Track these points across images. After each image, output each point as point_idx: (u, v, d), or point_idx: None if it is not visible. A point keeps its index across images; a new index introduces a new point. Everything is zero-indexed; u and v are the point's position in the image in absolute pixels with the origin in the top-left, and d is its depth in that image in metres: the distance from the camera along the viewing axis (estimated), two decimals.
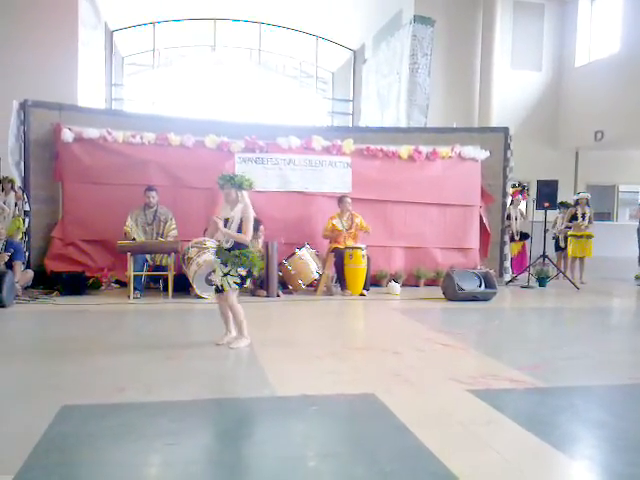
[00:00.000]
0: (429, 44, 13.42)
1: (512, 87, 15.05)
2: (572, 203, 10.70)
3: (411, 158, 9.09)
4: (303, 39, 19.25)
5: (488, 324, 6.28)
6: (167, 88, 18.98)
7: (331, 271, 8.03)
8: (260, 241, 7.57)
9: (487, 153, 9.40)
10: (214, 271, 4.64)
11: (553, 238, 10.83)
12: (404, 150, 9.06)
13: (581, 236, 10.12)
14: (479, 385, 3.68)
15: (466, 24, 14.82)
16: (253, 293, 7.53)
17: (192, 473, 2.42)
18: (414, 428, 2.88)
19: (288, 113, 18.29)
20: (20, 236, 8.01)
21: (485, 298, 7.46)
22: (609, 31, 14.54)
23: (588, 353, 4.71)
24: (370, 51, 17.27)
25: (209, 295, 6.82)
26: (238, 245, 4.51)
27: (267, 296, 7.46)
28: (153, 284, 7.79)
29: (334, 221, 8.14)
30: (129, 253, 7.12)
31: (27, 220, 7.92)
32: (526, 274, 9.40)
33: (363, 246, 7.97)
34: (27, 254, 7.77)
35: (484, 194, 9.48)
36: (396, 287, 8.09)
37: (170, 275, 7.25)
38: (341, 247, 7.96)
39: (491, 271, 8.05)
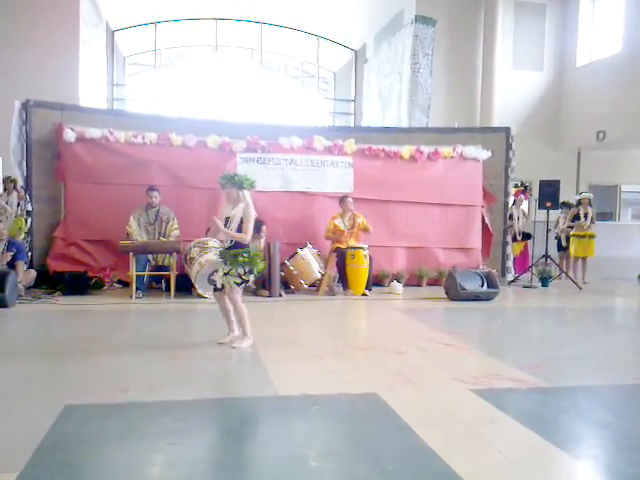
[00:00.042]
0: (430, 44, 13.42)
1: (514, 87, 15.03)
2: (574, 203, 10.69)
3: (413, 158, 9.09)
4: (304, 39, 19.25)
5: (490, 324, 6.27)
6: (169, 88, 18.99)
7: (333, 271, 8.03)
8: (262, 241, 7.57)
9: (489, 153, 9.40)
10: (217, 271, 4.64)
11: (555, 238, 10.82)
12: (406, 150, 9.06)
13: (583, 236, 10.11)
14: (482, 385, 3.68)
15: (467, 24, 14.81)
16: (255, 293, 7.54)
17: (195, 472, 2.42)
18: (417, 427, 2.88)
19: (290, 113, 18.30)
20: (22, 236, 8.03)
21: (487, 298, 7.46)
22: (611, 31, 14.51)
23: (591, 353, 4.70)
24: (371, 51, 17.27)
25: (210, 294, 6.85)
26: (238, 244, 4.51)
27: (269, 296, 7.46)
28: (155, 284, 7.79)
29: (336, 221, 8.14)
30: (131, 253, 7.12)
31: (29, 220, 7.93)
32: (528, 274, 9.39)
33: (365, 246, 7.96)
34: (29, 254, 7.78)
35: (486, 194, 9.47)
36: (398, 287, 8.09)
37: (172, 275, 7.25)
38: (343, 247, 7.96)
39: (493, 271, 8.05)
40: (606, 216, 15.77)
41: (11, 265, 7.05)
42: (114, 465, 2.48)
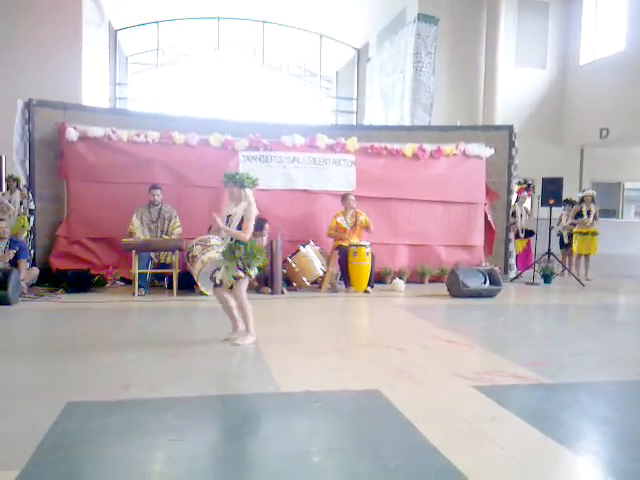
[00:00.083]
0: (433, 42, 13.38)
1: (516, 85, 15.00)
2: (577, 200, 10.67)
3: (415, 156, 9.07)
4: (307, 38, 19.24)
5: (493, 321, 6.27)
6: (171, 87, 19.02)
7: (335, 268, 8.03)
8: (265, 239, 7.58)
9: (492, 151, 9.38)
10: (219, 269, 4.65)
11: (558, 235, 10.81)
12: (408, 148, 9.05)
13: (586, 233, 10.09)
14: (484, 381, 3.67)
15: (470, 22, 14.78)
16: (258, 290, 7.54)
17: (197, 469, 2.43)
18: (419, 424, 2.88)
19: (292, 112, 18.31)
20: (25, 234, 8.04)
21: (490, 295, 7.45)
22: (614, 29, 14.47)
23: (593, 349, 4.69)
24: (374, 50, 17.25)
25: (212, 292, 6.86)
26: (238, 242, 4.52)
27: (271, 293, 7.46)
28: (158, 282, 7.79)
29: (338, 219, 8.13)
30: (134, 251, 7.13)
31: (32, 218, 7.95)
32: (531, 271, 9.38)
33: (367, 243, 7.96)
34: (32, 252, 7.80)
35: (489, 192, 9.45)
36: (400, 284, 8.08)
37: (174, 273, 7.26)
38: (345, 244, 7.96)
39: (496, 268, 8.04)
40: (609, 213, 15.74)
41: (14, 263, 7.06)
42: (116, 462, 2.49)
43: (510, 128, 9.73)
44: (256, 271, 4.62)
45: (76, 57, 12.92)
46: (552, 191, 9.19)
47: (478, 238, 9.28)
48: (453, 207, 9.13)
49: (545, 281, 9.14)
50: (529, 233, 10.45)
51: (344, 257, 7.86)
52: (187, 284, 7.31)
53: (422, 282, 8.80)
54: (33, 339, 5.05)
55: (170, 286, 7.37)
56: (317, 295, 7.60)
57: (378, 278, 8.41)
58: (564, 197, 9.80)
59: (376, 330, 5.86)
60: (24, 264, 7.18)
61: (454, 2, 14.55)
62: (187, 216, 7.86)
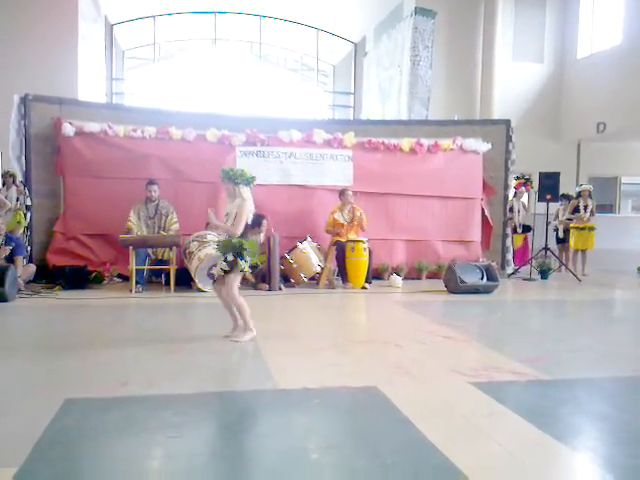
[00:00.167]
0: (430, 36, 13.36)
1: (514, 79, 14.99)
2: (574, 195, 10.67)
3: (412, 151, 9.07)
4: (304, 32, 19.18)
5: (490, 316, 6.28)
6: (168, 82, 18.95)
7: (333, 264, 8.03)
8: (262, 236, 7.54)
9: (489, 145, 9.37)
10: (216, 265, 4.64)
11: (554, 230, 10.82)
12: (405, 143, 9.04)
13: (583, 228, 10.10)
14: (481, 377, 3.68)
15: (467, 16, 14.76)
16: (255, 287, 7.54)
17: (195, 466, 2.43)
18: (416, 421, 2.88)
19: (289, 106, 18.26)
20: (21, 230, 8.02)
21: (487, 291, 7.46)
22: (611, 23, 14.47)
23: (591, 345, 4.70)
24: (371, 44, 17.21)
25: (211, 289, 6.86)
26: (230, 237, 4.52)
27: (269, 289, 7.46)
28: (155, 278, 7.79)
29: (335, 215, 8.13)
30: (131, 247, 7.12)
31: (29, 214, 7.92)
32: (528, 267, 9.39)
33: (365, 239, 7.96)
34: (29, 248, 7.78)
35: (486, 186, 9.45)
36: (398, 280, 8.09)
37: (172, 269, 7.25)
38: (343, 240, 7.95)
39: (493, 264, 8.05)
40: (606, 208, 15.78)
41: (10, 260, 7.04)
42: (114, 459, 2.49)
43: (507, 122, 9.73)
44: (245, 265, 4.53)
45: (72, 52, 12.87)
46: (549, 186, 9.20)
47: (475, 233, 9.28)
48: (450, 202, 9.13)
49: (542, 277, 9.15)
50: (526, 228, 10.45)
51: (341, 253, 7.86)
52: (184, 280, 7.32)
53: (419, 278, 8.80)
54: (30, 336, 5.03)
55: (167, 282, 7.37)
56: (315, 291, 7.60)
57: (375, 274, 8.41)
58: (561, 192, 9.80)
59: (374, 326, 5.86)
60: (20, 261, 7.16)
61: None
62: (184, 212, 7.85)
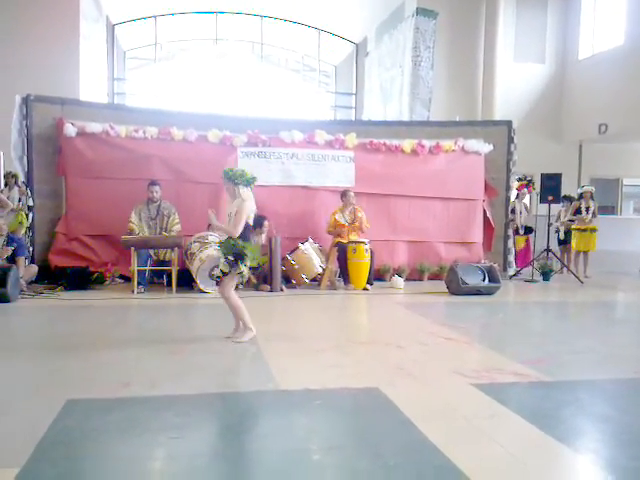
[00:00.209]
0: (432, 37, 13.35)
1: (515, 80, 14.97)
2: (576, 197, 10.66)
3: (414, 152, 9.06)
4: (305, 32, 19.17)
5: (492, 318, 6.28)
6: (169, 82, 18.95)
7: (334, 265, 8.02)
8: (264, 237, 7.57)
9: (490, 146, 9.37)
10: (217, 266, 4.64)
11: (556, 232, 10.80)
12: (407, 144, 9.03)
13: (585, 230, 10.08)
14: (483, 379, 3.68)
15: (469, 16, 14.74)
16: (257, 288, 7.54)
17: (196, 466, 2.43)
18: (418, 422, 2.89)
19: (290, 107, 18.25)
20: (23, 231, 8.02)
21: (489, 292, 7.45)
22: (613, 23, 14.44)
23: (593, 347, 4.70)
24: (373, 44, 17.20)
25: (212, 290, 6.87)
26: (230, 238, 4.51)
27: (271, 290, 7.46)
28: (157, 279, 7.79)
29: (336, 216, 8.13)
30: (133, 248, 7.12)
31: (31, 215, 7.93)
32: (530, 268, 9.38)
33: (366, 240, 7.96)
34: (31, 249, 7.79)
35: (487, 188, 9.45)
36: (399, 281, 8.09)
37: (174, 270, 7.25)
38: (344, 241, 7.96)
39: (495, 265, 8.03)
40: (608, 209, 15.76)
41: (11, 261, 7.05)
42: (116, 459, 2.49)
43: (509, 123, 9.72)
44: (245, 269, 4.56)
45: (74, 52, 12.87)
46: (551, 187, 9.19)
47: (477, 235, 9.28)
48: (452, 203, 9.13)
49: (544, 278, 9.14)
50: (528, 230, 10.43)
51: (343, 254, 7.86)
52: (186, 281, 7.32)
53: (421, 279, 8.80)
54: (32, 336, 5.04)
55: (169, 283, 7.37)
56: (316, 292, 7.60)
57: (377, 275, 8.41)
58: (563, 193, 9.79)
59: (375, 327, 5.86)
60: (22, 261, 7.17)
61: None
62: (186, 213, 7.85)
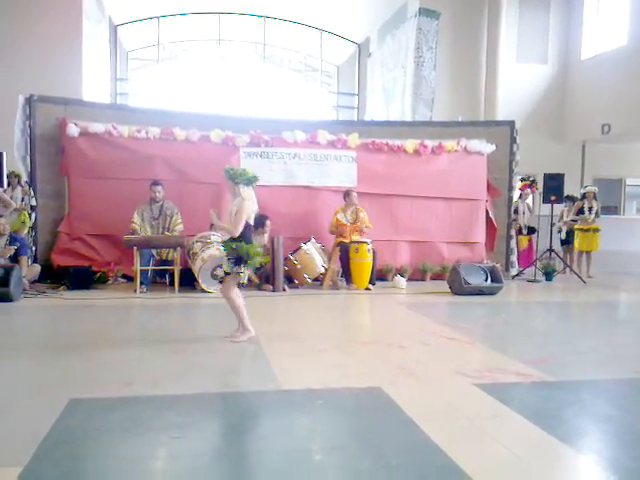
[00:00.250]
0: (434, 37, 13.35)
1: (518, 80, 14.95)
2: (579, 197, 10.64)
3: (417, 152, 9.06)
4: (308, 33, 19.18)
5: (494, 318, 6.27)
6: (172, 82, 18.97)
7: (337, 265, 8.02)
8: (266, 236, 7.57)
9: (493, 147, 9.36)
10: (220, 266, 4.65)
11: (558, 232, 10.78)
12: (410, 144, 9.03)
13: (588, 230, 10.06)
14: (485, 379, 3.67)
15: (471, 17, 14.72)
16: (259, 287, 7.54)
17: (198, 466, 2.43)
18: (420, 422, 2.88)
19: (293, 107, 18.26)
20: (26, 231, 8.04)
21: (491, 292, 7.45)
22: (616, 23, 14.42)
23: (595, 347, 4.69)
24: (375, 44, 17.19)
25: (215, 289, 6.88)
26: (233, 238, 4.51)
27: (273, 290, 7.46)
28: (159, 278, 7.80)
29: (338, 215, 8.13)
30: (135, 248, 7.13)
31: (34, 215, 7.95)
32: (532, 268, 9.36)
33: (369, 240, 7.96)
34: (34, 249, 7.81)
35: (490, 188, 9.44)
36: (402, 281, 8.08)
37: (176, 269, 7.26)
38: (347, 241, 7.95)
39: (497, 265, 8.03)
40: (611, 210, 15.72)
41: (14, 260, 7.06)
42: (118, 459, 2.49)
43: (511, 124, 9.71)
44: (247, 273, 4.58)
45: (76, 53, 12.89)
46: (553, 187, 9.17)
47: (479, 235, 9.27)
48: (454, 203, 9.12)
49: (546, 278, 9.13)
50: (531, 230, 10.41)
51: (345, 254, 7.86)
52: (188, 281, 7.33)
53: (423, 279, 8.79)
54: (35, 336, 5.05)
55: (171, 283, 7.38)
56: (318, 292, 7.60)
57: (379, 275, 8.40)
58: (565, 193, 9.77)
59: (377, 327, 5.86)
60: (25, 261, 7.19)
61: None
62: (188, 213, 7.85)
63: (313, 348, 4.46)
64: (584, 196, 10.33)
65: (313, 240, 7.95)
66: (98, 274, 7.61)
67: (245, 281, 4.63)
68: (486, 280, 7.49)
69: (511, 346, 4.76)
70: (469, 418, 2.98)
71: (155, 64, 19.58)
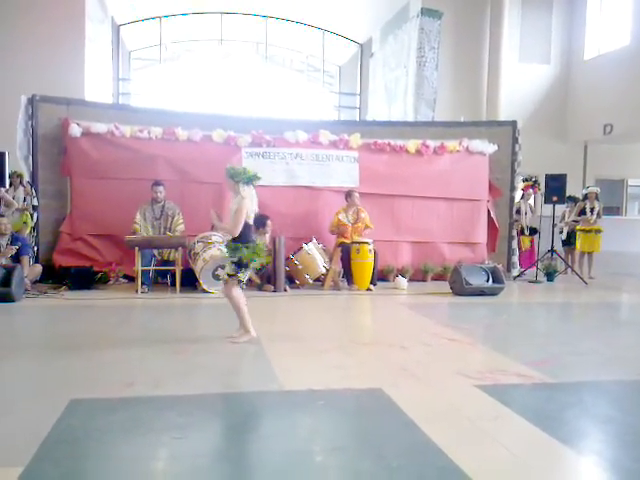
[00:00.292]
0: (437, 37, 13.35)
1: (520, 80, 14.94)
2: (581, 197, 10.63)
3: (419, 152, 9.06)
4: (310, 33, 19.19)
5: (496, 319, 6.26)
6: (174, 82, 18.99)
7: (338, 266, 8.02)
8: (267, 236, 7.57)
9: (495, 147, 9.35)
10: (222, 266, 4.66)
11: (560, 232, 10.77)
12: (411, 144, 9.03)
13: (590, 231, 10.05)
14: (487, 380, 3.67)
15: (474, 16, 14.72)
16: (260, 288, 7.55)
17: (199, 467, 2.43)
18: (421, 423, 2.88)
19: (295, 107, 18.27)
20: (28, 230, 8.05)
21: (493, 293, 7.44)
22: (619, 24, 14.40)
23: (597, 348, 4.68)
24: (377, 44, 17.19)
25: (216, 290, 6.89)
26: (236, 237, 4.51)
27: (274, 291, 7.46)
28: (161, 279, 7.80)
29: (340, 215, 8.13)
30: (137, 248, 7.14)
31: (36, 215, 7.96)
32: (534, 269, 9.35)
33: (370, 241, 7.95)
34: (36, 249, 7.82)
35: (492, 188, 9.43)
36: (403, 282, 8.08)
37: (177, 270, 7.27)
38: (348, 242, 7.95)
39: (499, 266, 8.02)
40: (613, 210, 15.69)
41: (15, 260, 7.08)
42: (119, 459, 2.49)
43: (513, 124, 9.71)
44: (247, 275, 4.60)
45: (79, 53, 12.92)
46: (555, 188, 9.16)
47: (481, 235, 9.27)
48: (456, 204, 9.11)
49: (548, 279, 9.12)
50: (533, 231, 10.39)
51: (347, 254, 7.86)
52: (190, 281, 7.33)
53: (425, 280, 8.79)
54: (36, 336, 5.06)
55: (173, 283, 7.39)
56: (320, 293, 7.60)
57: (381, 276, 8.40)
58: (567, 194, 9.76)
59: (379, 328, 5.86)
60: (26, 261, 7.19)
61: None
62: (190, 213, 7.86)
63: (314, 349, 4.46)
64: (586, 197, 10.32)
65: (314, 240, 7.95)
66: (99, 274, 7.63)
67: (245, 281, 4.63)
68: (487, 281, 7.49)
69: (512, 347, 4.75)
70: (470, 419, 2.98)
71: (157, 64, 19.60)
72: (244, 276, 4.55)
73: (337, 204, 8.38)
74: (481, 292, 7.36)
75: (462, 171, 9.12)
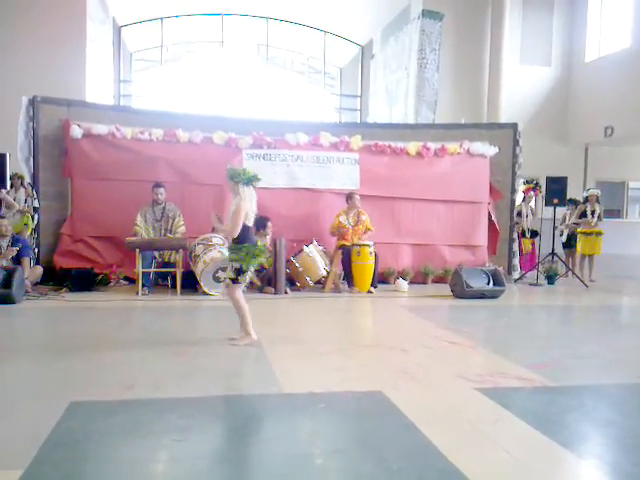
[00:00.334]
0: (437, 39, 13.34)
1: (521, 83, 14.94)
2: (582, 200, 10.62)
3: (419, 154, 9.06)
4: (311, 34, 19.21)
5: (496, 322, 6.26)
6: (175, 84, 19.01)
7: (339, 268, 8.02)
8: (268, 238, 7.57)
9: (496, 149, 9.35)
10: (222, 269, 4.66)
11: (560, 235, 10.75)
12: (412, 146, 9.03)
13: (590, 233, 10.03)
14: (487, 383, 3.67)
15: (475, 19, 14.73)
16: (261, 290, 7.54)
17: (200, 469, 2.43)
18: (422, 426, 2.88)
19: (296, 109, 18.28)
20: (29, 232, 8.05)
21: (493, 296, 7.43)
22: (620, 26, 14.40)
23: (597, 352, 4.68)
24: (378, 46, 17.20)
25: (216, 292, 6.89)
26: (237, 239, 4.51)
27: (275, 293, 7.45)
28: (161, 281, 7.80)
29: (340, 218, 8.13)
30: (137, 250, 7.14)
31: (36, 216, 7.96)
32: (535, 272, 9.34)
33: (371, 243, 7.95)
34: (36, 250, 7.82)
35: (493, 190, 9.43)
36: (404, 284, 8.07)
37: (178, 272, 7.26)
38: (348, 244, 7.95)
39: (500, 268, 8.02)
40: (613, 213, 15.68)
41: (16, 261, 7.07)
42: (119, 462, 2.49)
43: (514, 126, 9.70)
44: (248, 278, 4.60)
45: (80, 54, 12.93)
46: (556, 190, 9.15)
47: (482, 238, 9.26)
48: (457, 206, 9.11)
49: (549, 282, 9.11)
50: (534, 234, 10.39)
51: (347, 257, 7.85)
52: (190, 283, 7.33)
53: (425, 282, 8.78)
54: (37, 338, 5.06)
55: (174, 285, 7.38)
56: (320, 295, 7.60)
57: (381, 278, 8.39)
58: (568, 196, 9.75)
59: (379, 331, 5.86)
60: (27, 262, 7.19)
61: None
62: (191, 214, 7.86)
63: (315, 351, 4.46)
64: (587, 199, 10.30)
65: (315, 243, 7.95)
66: (100, 276, 7.63)
67: (246, 283, 4.64)
68: (488, 283, 7.49)
69: (513, 350, 4.75)
70: (471, 422, 2.98)
71: (158, 65, 19.63)
72: (245, 279, 4.55)
73: (338, 206, 8.38)
74: (482, 295, 7.36)
75: (463, 173, 9.12)
